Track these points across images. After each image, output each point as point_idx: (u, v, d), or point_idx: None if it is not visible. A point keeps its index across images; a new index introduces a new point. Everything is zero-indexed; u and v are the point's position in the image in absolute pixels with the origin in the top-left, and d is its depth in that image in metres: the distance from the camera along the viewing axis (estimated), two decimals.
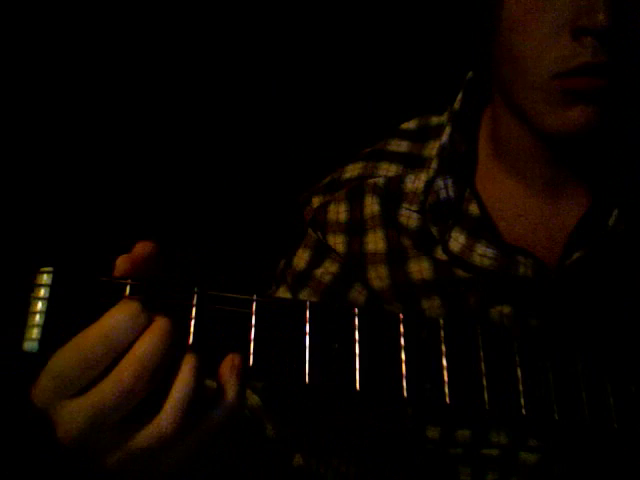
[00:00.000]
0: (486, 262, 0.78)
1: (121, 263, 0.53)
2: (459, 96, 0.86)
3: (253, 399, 0.82)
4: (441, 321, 0.57)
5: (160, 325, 0.50)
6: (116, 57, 1.35)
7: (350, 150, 0.94)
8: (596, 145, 0.77)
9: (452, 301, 0.80)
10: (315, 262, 0.87)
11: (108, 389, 0.49)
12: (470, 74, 0.87)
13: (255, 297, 0.54)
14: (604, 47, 0.66)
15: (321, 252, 0.88)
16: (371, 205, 0.86)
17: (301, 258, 0.88)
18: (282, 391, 0.82)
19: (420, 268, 0.82)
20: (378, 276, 0.84)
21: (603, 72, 0.67)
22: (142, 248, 0.53)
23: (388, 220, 0.85)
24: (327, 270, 0.86)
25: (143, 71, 1.37)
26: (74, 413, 0.50)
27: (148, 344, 0.49)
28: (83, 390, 0.49)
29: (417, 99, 0.99)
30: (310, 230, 0.89)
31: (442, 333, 0.57)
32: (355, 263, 0.86)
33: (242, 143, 1.42)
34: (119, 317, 0.49)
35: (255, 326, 0.53)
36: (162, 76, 1.39)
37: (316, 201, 0.90)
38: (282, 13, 1.39)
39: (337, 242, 0.87)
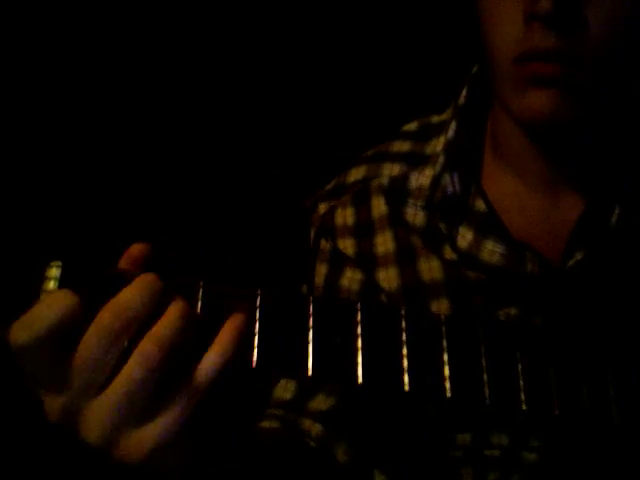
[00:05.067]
0: (495, 259, 0.78)
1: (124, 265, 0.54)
2: (464, 91, 0.86)
3: (315, 428, 0.80)
4: (442, 316, 0.58)
5: (181, 305, 0.51)
6: (116, 57, 1.36)
7: (353, 148, 0.94)
8: (584, 139, 0.77)
9: (460, 303, 0.80)
10: (336, 273, 0.87)
11: (134, 365, 0.49)
12: (475, 69, 0.87)
13: (259, 291, 0.55)
14: (551, 33, 0.67)
15: (338, 262, 0.88)
16: (378, 206, 0.87)
17: (320, 274, 0.88)
18: (343, 408, 0.82)
19: (430, 267, 0.82)
20: (388, 277, 0.84)
21: (554, 58, 0.68)
22: (136, 250, 0.55)
23: (396, 219, 0.85)
24: (353, 278, 0.86)
25: (146, 71, 1.38)
26: (100, 406, 0.50)
27: (170, 320, 0.50)
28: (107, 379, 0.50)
29: (418, 99, 1.00)
30: (322, 241, 0.89)
31: (443, 328, 0.57)
32: (365, 266, 0.86)
33: (246, 142, 1.43)
34: (134, 291, 0.50)
35: (259, 320, 0.54)
36: (174, 76, 1.40)
37: (322, 207, 0.91)
38: (282, 21, 1.40)
39: (346, 246, 0.87)
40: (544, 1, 0.65)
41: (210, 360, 0.52)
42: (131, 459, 0.51)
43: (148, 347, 0.49)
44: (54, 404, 0.51)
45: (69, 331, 0.49)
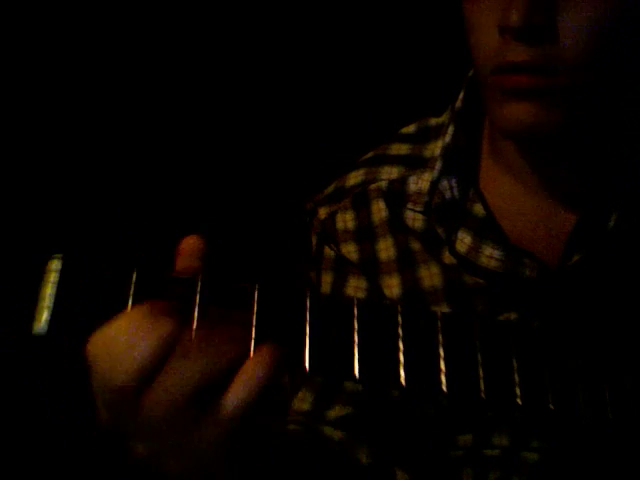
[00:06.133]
0: (493, 264, 0.79)
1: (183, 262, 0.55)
2: (461, 95, 0.86)
3: (337, 434, 0.81)
4: (438, 312, 0.59)
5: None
6: (116, 57, 1.37)
7: (352, 151, 0.95)
8: (577, 146, 0.77)
9: (460, 309, 0.81)
10: (341, 282, 0.88)
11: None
12: (472, 72, 0.87)
13: (257, 286, 0.55)
14: (523, 46, 0.67)
15: (342, 270, 0.88)
16: (378, 211, 0.87)
17: (326, 283, 0.89)
18: (360, 414, 0.82)
19: (430, 273, 0.83)
20: (390, 285, 0.85)
21: (529, 70, 0.68)
22: (191, 245, 0.55)
23: (396, 224, 0.86)
24: (358, 286, 0.87)
25: (147, 71, 1.39)
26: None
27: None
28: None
29: (416, 101, 1.01)
30: (326, 248, 0.90)
31: (439, 324, 0.58)
32: (369, 271, 0.86)
33: (246, 144, 1.43)
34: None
35: (257, 314, 0.54)
36: (176, 76, 1.41)
37: (322, 212, 0.91)
38: (282, 24, 1.41)
39: (349, 251, 0.88)
40: (513, 15, 0.65)
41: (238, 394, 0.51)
42: None
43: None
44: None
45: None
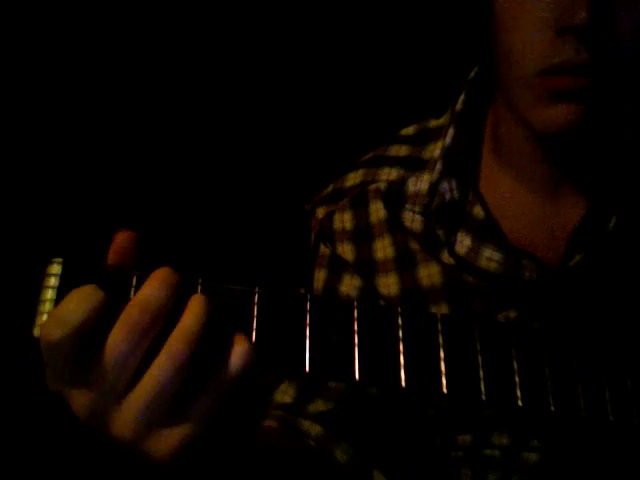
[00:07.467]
0: (493, 266, 0.79)
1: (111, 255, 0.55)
2: (461, 97, 0.86)
3: (315, 428, 0.81)
4: (438, 314, 0.59)
5: (202, 299, 0.52)
6: (116, 57, 1.37)
7: (351, 152, 0.95)
8: (590, 145, 0.77)
9: (459, 308, 0.80)
10: (334, 279, 0.88)
11: (163, 362, 0.49)
12: (472, 74, 0.87)
13: (257, 289, 0.55)
14: (586, 46, 0.67)
15: (337, 268, 0.88)
16: (376, 211, 0.87)
17: (319, 280, 0.89)
18: (342, 410, 0.82)
19: (429, 273, 0.83)
20: (387, 284, 0.84)
21: (585, 72, 0.68)
22: (123, 239, 0.55)
23: (394, 224, 0.85)
24: (352, 284, 0.87)
25: (146, 71, 1.39)
26: (131, 405, 0.50)
27: (195, 316, 0.50)
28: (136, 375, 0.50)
29: (416, 103, 1.01)
30: (322, 246, 0.90)
31: (439, 326, 0.58)
32: (364, 270, 0.86)
33: (245, 145, 1.44)
34: (155, 285, 0.50)
35: (257, 317, 0.54)
36: (176, 77, 1.41)
37: (320, 212, 0.91)
38: (281, 27, 1.41)
39: (345, 250, 0.87)
40: (582, 13, 0.65)
41: (240, 354, 0.52)
42: (159, 456, 0.51)
43: (176, 344, 0.49)
44: (83, 402, 0.51)
45: (98, 326, 0.49)
